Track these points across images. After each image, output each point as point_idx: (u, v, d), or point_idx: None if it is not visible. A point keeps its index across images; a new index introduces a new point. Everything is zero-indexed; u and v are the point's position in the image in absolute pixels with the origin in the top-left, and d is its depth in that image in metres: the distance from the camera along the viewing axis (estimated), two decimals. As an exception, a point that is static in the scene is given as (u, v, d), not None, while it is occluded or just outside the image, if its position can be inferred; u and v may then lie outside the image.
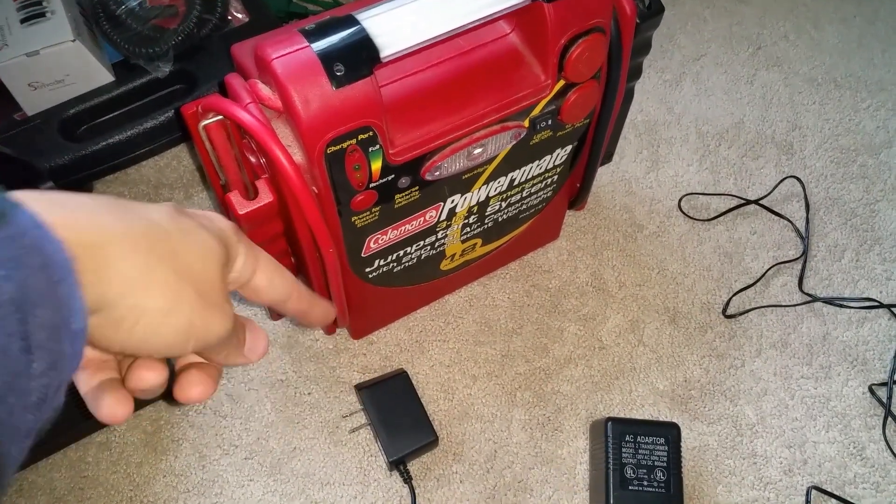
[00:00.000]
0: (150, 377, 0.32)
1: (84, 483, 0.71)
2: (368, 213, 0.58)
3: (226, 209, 0.56)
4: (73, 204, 0.27)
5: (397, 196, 0.58)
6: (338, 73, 0.48)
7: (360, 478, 0.71)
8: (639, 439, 0.66)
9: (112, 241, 0.27)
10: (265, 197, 0.54)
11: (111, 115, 0.85)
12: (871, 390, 0.77)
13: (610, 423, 0.67)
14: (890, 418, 0.75)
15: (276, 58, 0.47)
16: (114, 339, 0.28)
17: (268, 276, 0.36)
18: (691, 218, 0.87)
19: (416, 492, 0.70)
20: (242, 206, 0.54)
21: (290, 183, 0.50)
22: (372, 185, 0.55)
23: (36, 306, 0.23)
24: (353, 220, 0.57)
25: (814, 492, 0.71)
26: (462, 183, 0.61)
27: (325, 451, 0.73)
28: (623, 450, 0.66)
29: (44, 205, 0.25)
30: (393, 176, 0.55)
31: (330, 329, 0.77)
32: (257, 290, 0.36)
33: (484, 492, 0.71)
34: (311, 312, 0.39)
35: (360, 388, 0.73)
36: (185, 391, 0.35)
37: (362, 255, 0.63)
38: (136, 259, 0.27)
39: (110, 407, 0.32)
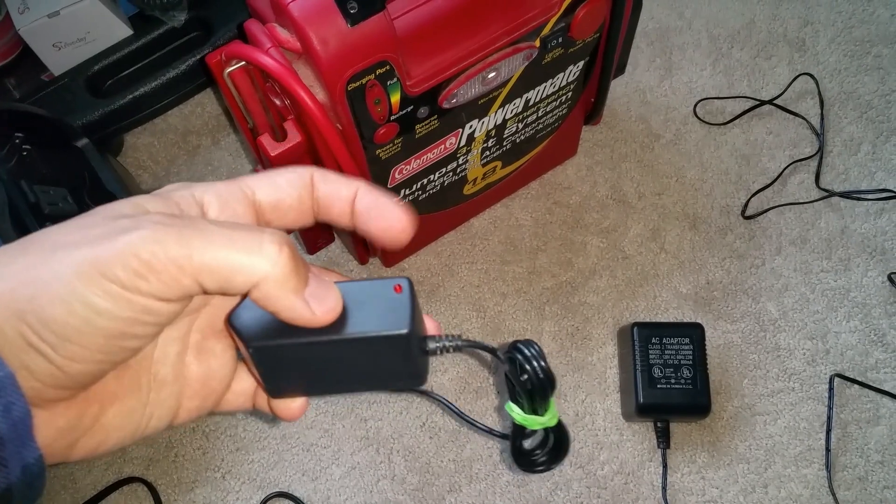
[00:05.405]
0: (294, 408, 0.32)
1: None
2: (391, 144, 0.60)
3: (257, 152, 0.59)
4: None
5: (417, 126, 0.60)
6: (352, 11, 0.50)
7: (405, 400, 0.76)
8: (664, 341, 0.69)
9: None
10: (294, 138, 0.57)
11: (134, 68, 0.87)
12: (890, 279, 0.79)
13: (636, 328, 0.70)
14: (909, 304, 0.77)
15: (292, 1, 0.49)
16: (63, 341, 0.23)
17: (268, 181, 0.28)
18: (707, 123, 0.88)
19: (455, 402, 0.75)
20: (273, 148, 0.56)
21: (315, 122, 0.53)
22: (393, 117, 0.57)
23: None
24: (377, 153, 0.60)
25: (837, 379, 0.74)
26: (479, 108, 0.63)
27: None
28: (650, 352, 0.69)
29: None
30: (412, 107, 0.57)
31: (363, 259, 0.81)
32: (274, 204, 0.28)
33: (521, 399, 0.75)
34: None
35: None
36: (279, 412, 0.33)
37: (388, 186, 0.65)
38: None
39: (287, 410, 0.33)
